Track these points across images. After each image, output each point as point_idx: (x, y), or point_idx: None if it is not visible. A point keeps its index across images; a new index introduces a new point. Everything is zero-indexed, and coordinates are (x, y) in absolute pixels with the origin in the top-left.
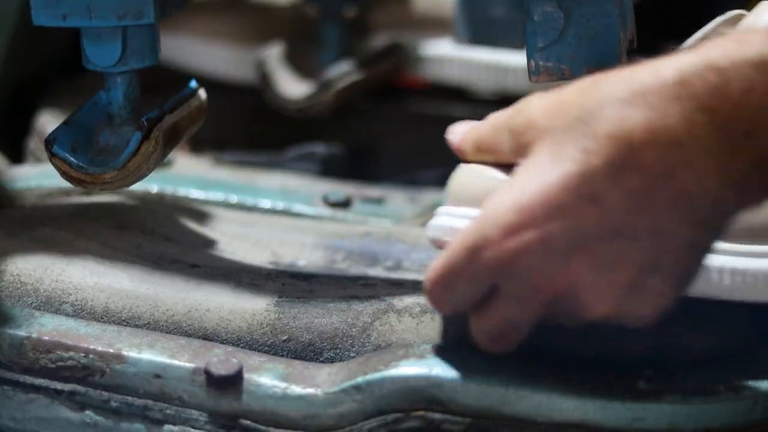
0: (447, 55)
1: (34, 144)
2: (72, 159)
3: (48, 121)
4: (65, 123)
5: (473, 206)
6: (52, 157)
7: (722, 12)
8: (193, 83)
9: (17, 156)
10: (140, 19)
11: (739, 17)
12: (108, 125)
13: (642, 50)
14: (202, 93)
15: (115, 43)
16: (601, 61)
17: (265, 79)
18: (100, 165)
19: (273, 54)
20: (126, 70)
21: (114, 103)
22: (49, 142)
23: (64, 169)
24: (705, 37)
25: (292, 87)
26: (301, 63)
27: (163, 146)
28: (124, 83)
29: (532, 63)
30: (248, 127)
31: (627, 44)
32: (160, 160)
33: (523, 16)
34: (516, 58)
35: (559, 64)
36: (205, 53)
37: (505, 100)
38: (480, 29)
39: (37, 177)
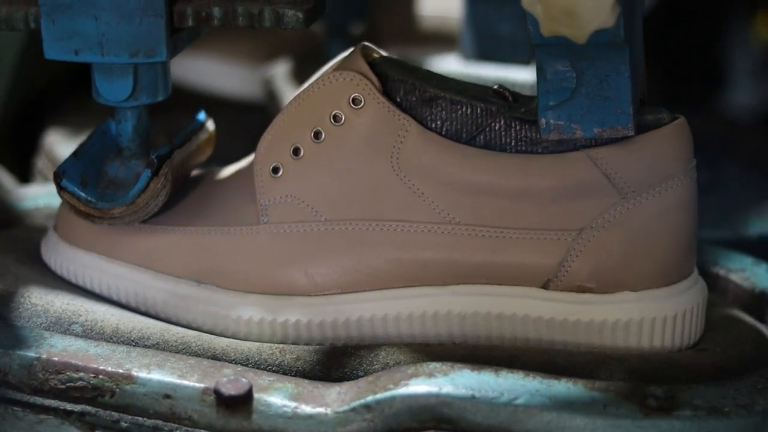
0: (454, 71)
1: (42, 163)
2: (81, 193)
3: (56, 140)
4: (74, 155)
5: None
6: (61, 190)
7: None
8: (201, 116)
9: (25, 175)
10: (152, 57)
11: (365, 48)
12: (117, 157)
13: (649, 56)
14: (210, 125)
15: (127, 79)
16: (612, 121)
17: (272, 97)
18: (109, 200)
19: (280, 72)
20: (136, 105)
21: (123, 136)
22: (58, 175)
23: (72, 202)
24: (332, 68)
25: None
26: (307, 80)
27: (173, 182)
28: (134, 117)
29: (543, 120)
30: (256, 144)
31: (638, 103)
32: (168, 196)
33: (528, 34)
34: (522, 75)
35: (570, 123)
36: (212, 71)
37: None
38: (486, 46)
39: (46, 196)
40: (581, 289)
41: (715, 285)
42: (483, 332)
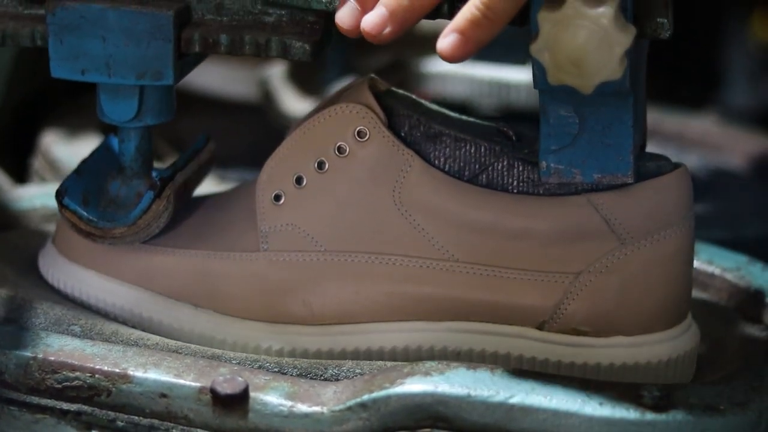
0: (450, 71)
1: (39, 163)
2: (82, 212)
3: (52, 141)
4: (76, 172)
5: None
6: (63, 208)
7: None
8: (203, 136)
9: (22, 175)
10: (159, 80)
11: (372, 80)
12: (118, 175)
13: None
14: (212, 146)
15: (132, 100)
16: (613, 168)
17: (268, 98)
18: (110, 219)
19: (276, 73)
20: (141, 125)
21: (126, 155)
22: (60, 193)
23: (73, 221)
24: (334, 96)
25: (296, 105)
26: (304, 81)
27: (175, 203)
28: (137, 137)
29: (544, 163)
30: (252, 145)
31: (638, 149)
32: (170, 217)
33: (525, 33)
34: (518, 75)
35: (571, 168)
36: (208, 72)
37: (508, 115)
38: None
39: (42, 197)
40: (576, 332)
41: (710, 284)
42: None
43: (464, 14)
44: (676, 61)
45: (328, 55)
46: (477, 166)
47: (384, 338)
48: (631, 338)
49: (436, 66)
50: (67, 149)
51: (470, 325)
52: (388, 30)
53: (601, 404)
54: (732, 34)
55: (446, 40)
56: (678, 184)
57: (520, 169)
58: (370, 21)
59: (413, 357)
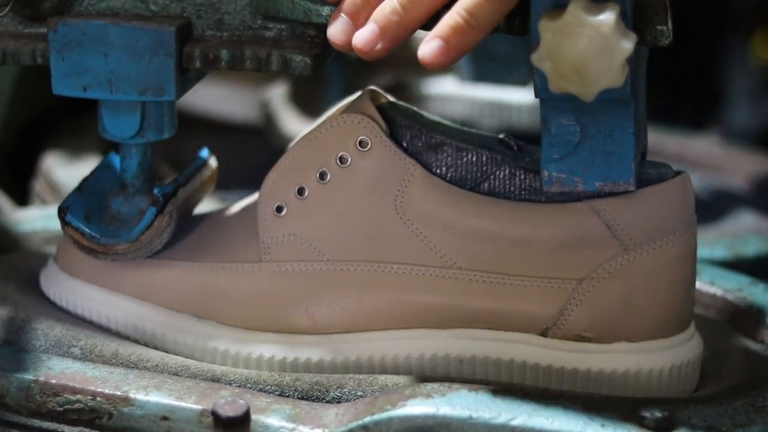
0: (451, 93)
1: (40, 185)
2: (85, 229)
3: (53, 163)
4: (78, 189)
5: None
6: (65, 225)
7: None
8: (204, 152)
9: (23, 198)
10: (161, 95)
11: (373, 92)
12: (120, 192)
13: (649, 76)
14: (213, 162)
15: (134, 116)
16: (614, 176)
17: (269, 119)
18: (113, 236)
19: (277, 94)
20: (142, 142)
21: (128, 172)
22: (63, 210)
23: (76, 237)
24: (339, 110)
25: (297, 127)
26: (305, 102)
27: (177, 220)
28: (139, 153)
29: (546, 173)
30: (253, 167)
31: (639, 157)
32: (172, 234)
33: (525, 54)
34: (519, 96)
35: (572, 176)
36: (209, 93)
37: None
38: (483, 67)
39: (43, 219)
40: (580, 338)
41: (712, 305)
42: (480, 377)
43: (447, 21)
44: (677, 82)
45: (328, 76)
46: (479, 175)
47: (387, 346)
48: (635, 344)
49: (436, 87)
50: (68, 171)
51: (473, 332)
52: (379, 46)
53: (603, 426)
54: (733, 54)
55: (428, 46)
56: (680, 191)
57: (522, 177)
58: (362, 37)
59: (416, 365)
